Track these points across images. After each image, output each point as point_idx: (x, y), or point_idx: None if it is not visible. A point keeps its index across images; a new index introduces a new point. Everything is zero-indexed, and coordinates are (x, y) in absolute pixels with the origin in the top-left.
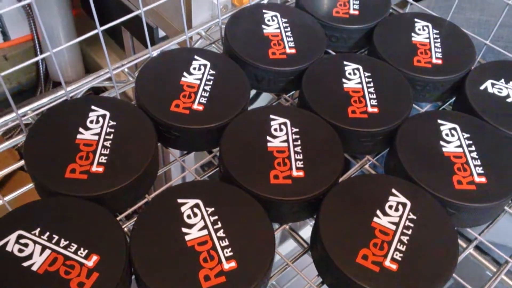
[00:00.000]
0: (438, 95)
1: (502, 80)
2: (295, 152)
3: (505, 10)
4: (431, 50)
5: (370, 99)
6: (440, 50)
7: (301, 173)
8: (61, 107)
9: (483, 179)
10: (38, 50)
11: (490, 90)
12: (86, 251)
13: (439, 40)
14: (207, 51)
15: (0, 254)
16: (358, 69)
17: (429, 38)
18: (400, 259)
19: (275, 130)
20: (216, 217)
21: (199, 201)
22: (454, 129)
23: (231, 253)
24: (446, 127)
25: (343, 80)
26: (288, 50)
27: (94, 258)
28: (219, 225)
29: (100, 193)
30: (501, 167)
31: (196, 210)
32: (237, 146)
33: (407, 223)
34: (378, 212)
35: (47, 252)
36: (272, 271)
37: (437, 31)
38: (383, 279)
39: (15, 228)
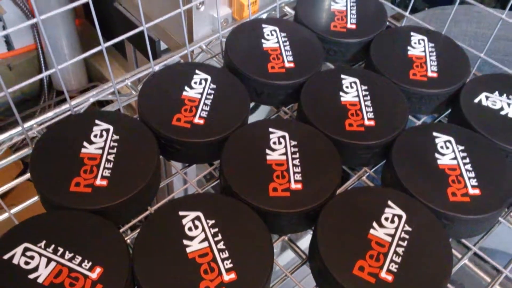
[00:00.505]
0: (434, 108)
1: (496, 93)
2: (294, 165)
3: (498, 24)
4: (427, 64)
5: (366, 112)
6: (435, 63)
7: (299, 186)
8: (66, 121)
9: (477, 191)
10: (41, 59)
11: (484, 103)
12: (90, 263)
13: (434, 54)
14: (207, 65)
15: (7, 266)
16: (355, 83)
17: (424, 51)
18: (395, 270)
19: (274, 143)
20: (216, 229)
21: (200, 214)
22: (449, 141)
23: (231, 265)
24: (441, 139)
25: (341, 93)
26: (287, 64)
27: (98, 270)
28: (219, 237)
29: (103, 206)
30: (495, 179)
31: (197, 222)
32: (237, 159)
33: (403, 234)
34: (374, 224)
35: (53, 264)
36: (271, 281)
37: (433, 45)
38: None
39: (22, 241)
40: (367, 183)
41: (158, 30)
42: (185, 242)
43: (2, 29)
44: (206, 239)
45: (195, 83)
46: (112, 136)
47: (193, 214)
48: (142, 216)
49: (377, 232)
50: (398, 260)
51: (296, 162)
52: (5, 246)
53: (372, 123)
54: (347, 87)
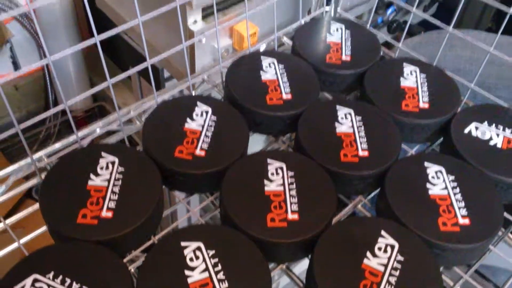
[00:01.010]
0: (426, 137)
1: (485, 123)
2: (291, 196)
3: (486, 57)
4: (419, 94)
5: (360, 142)
6: (427, 94)
7: (295, 216)
8: (73, 154)
9: (466, 221)
10: (48, 80)
11: (474, 133)
12: None
13: (426, 84)
14: (208, 98)
15: None
16: (350, 113)
17: (416, 82)
18: None
19: (272, 174)
20: (216, 260)
21: (201, 244)
22: (440, 171)
23: None
24: (432, 169)
25: (336, 124)
26: (284, 96)
27: None
28: (219, 267)
29: (109, 238)
30: (484, 209)
31: (198, 253)
32: (237, 190)
33: (395, 264)
34: (368, 253)
35: None
36: None
37: (424, 75)
38: None
39: (31, 272)
40: (363, 211)
41: (162, 59)
42: (187, 272)
43: (9, 51)
44: (206, 269)
45: (197, 115)
46: (117, 168)
47: (194, 245)
48: (146, 245)
49: (370, 261)
50: None
51: (293, 192)
52: (15, 277)
53: (366, 153)
54: (342, 118)
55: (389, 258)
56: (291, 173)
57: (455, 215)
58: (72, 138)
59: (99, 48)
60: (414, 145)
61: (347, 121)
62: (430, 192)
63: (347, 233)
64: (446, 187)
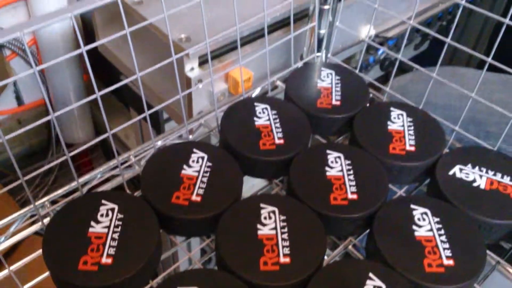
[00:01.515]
0: (413, 179)
1: (469, 165)
2: (283, 239)
3: (468, 103)
4: (405, 138)
5: (350, 186)
6: (413, 137)
7: (287, 260)
8: (75, 202)
9: (451, 262)
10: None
11: (458, 175)
12: None
13: (412, 128)
14: (204, 144)
15: None
16: (339, 157)
17: (403, 126)
18: None
19: (265, 218)
20: None
21: None
22: (425, 213)
23: None
24: (418, 211)
25: (326, 168)
26: (277, 141)
27: None
28: None
29: (108, 284)
30: (468, 250)
31: None
32: (231, 234)
33: None
34: None
35: None
36: None
37: (411, 119)
38: None
39: None
40: (353, 252)
41: (161, 102)
42: None
43: (13, 86)
44: None
45: (193, 161)
46: (117, 215)
47: None
48: None
49: None
50: None
51: (285, 236)
52: None
53: (355, 196)
54: (332, 161)
55: None
56: (283, 217)
57: (440, 256)
58: (74, 183)
59: (98, 99)
60: (402, 186)
61: (337, 165)
62: (416, 234)
63: (337, 275)
64: (431, 229)
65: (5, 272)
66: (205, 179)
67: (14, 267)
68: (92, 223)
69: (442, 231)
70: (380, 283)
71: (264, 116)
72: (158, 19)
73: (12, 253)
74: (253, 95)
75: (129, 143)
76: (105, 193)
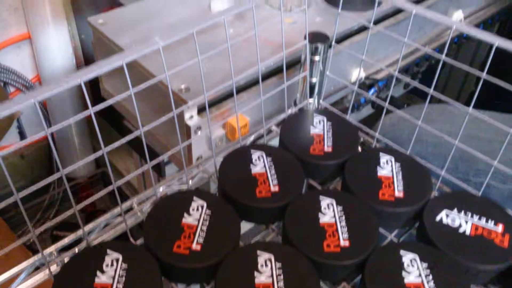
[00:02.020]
0: (403, 223)
1: (455, 210)
2: (278, 287)
3: (452, 150)
4: (394, 183)
5: (342, 232)
6: (401, 183)
7: None
8: (82, 252)
9: None
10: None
11: (444, 220)
12: None
13: (400, 173)
14: (203, 192)
15: None
16: (332, 204)
17: (392, 171)
18: None
19: (261, 266)
20: None
21: None
22: (414, 259)
23: None
24: (407, 257)
25: (319, 215)
26: (272, 188)
27: None
28: None
29: None
30: None
31: None
32: (230, 282)
33: None
34: None
35: None
36: None
37: (399, 164)
38: None
39: None
40: None
41: (162, 146)
42: None
43: (17, 122)
44: None
45: (193, 209)
46: (121, 265)
47: None
48: None
49: None
50: None
51: (281, 284)
52: None
53: (347, 243)
54: (325, 208)
55: None
56: (278, 264)
57: None
58: (79, 232)
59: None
60: (393, 230)
61: (329, 211)
62: (405, 280)
63: None
64: (420, 275)
65: None
66: (204, 228)
67: None
68: (98, 273)
69: (431, 277)
70: None
71: (260, 164)
72: (161, 77)
73: None
74: (250, 140)
75: (133, 181)
76: (110, 243)
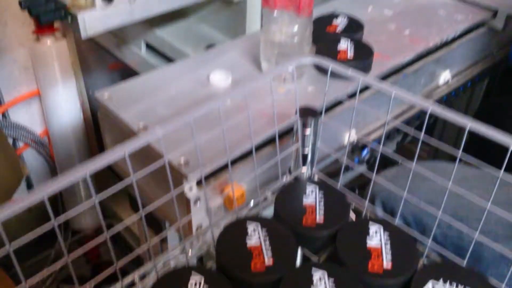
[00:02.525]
0: None
1: (441, 281)
2: None
3: (441, 208)
4: (382, 254)
5: None
6: (390, 253)
7: None
8: None
9: None
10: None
11: None
12: None
13: (388, 244)
14: (201, 268)
15: None
16: (323, 276)
17: (380, 241)
18: None
19: None
20: None
21: None
22: None
23: None
24: None
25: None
26: (266, 262)
27: None
28: None
29: None
30: None
31: None
32: None
33: None
34: None
35: None
36: None
37: (388, 233)
38: None
39: None
40: None
41: (162, 213)
42: None
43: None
44: None
45: (191, 284)
46: None
47: None
48: None
49: None
50: None
51: None
52: None
53: None
54: (317, 281)
55: None
56: None
57: None
58: None
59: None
60: None
61: (321, 284)
62: None
63: None
64: None
65: None
66: None
67: None
68: None
69: None
70: None
71: (255, 236)
72: (160, 162)
73: None
74: (248, 208)
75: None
76: None
